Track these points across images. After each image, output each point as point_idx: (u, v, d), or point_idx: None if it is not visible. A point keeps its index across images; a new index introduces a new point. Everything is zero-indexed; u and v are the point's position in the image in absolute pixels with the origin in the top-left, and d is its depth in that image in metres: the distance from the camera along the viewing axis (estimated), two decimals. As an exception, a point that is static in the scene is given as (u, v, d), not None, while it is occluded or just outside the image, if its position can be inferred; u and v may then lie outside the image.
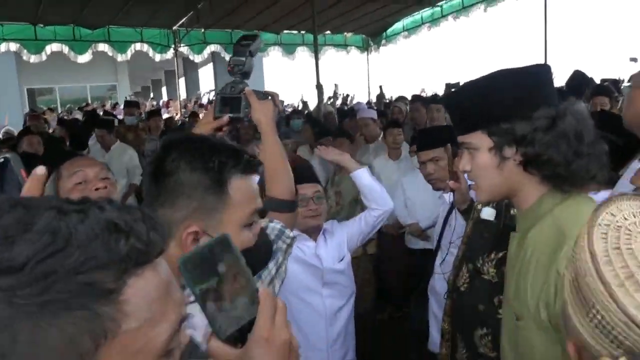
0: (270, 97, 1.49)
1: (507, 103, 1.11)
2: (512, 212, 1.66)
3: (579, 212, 1.12)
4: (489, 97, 1.13)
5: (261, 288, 0.70)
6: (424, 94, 10.03)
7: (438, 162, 2.49)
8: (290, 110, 10.00)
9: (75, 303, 0.48)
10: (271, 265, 1.30)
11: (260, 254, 1.14)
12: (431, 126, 4.02)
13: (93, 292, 0.48)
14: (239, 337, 0.68)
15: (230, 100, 1.47)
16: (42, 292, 0.46)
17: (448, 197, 2.43)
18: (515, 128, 1.10)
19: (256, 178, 1.11)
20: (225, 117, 1.46)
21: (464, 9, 10.36)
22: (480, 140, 1.15)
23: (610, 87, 5.54)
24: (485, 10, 9.98)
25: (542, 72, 1.16)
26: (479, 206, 1.85)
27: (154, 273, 0.55)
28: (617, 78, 8.04)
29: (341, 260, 2.39)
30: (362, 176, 2.40)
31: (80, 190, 1.68)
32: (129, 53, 10.44)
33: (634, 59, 9.85)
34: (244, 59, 1.46)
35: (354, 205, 4.26)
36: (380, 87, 8.58)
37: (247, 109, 1.45)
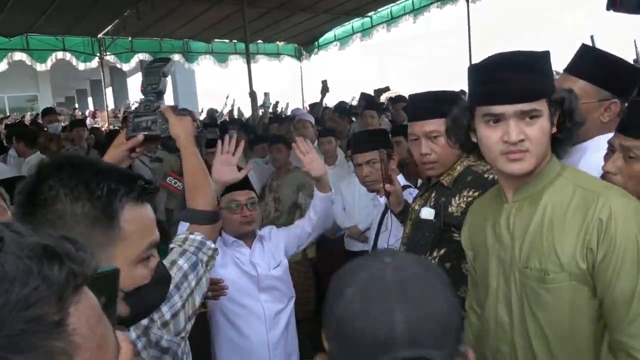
0: (188, 114, 1.51)
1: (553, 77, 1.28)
2: (449, 210, 1.72)
3: (583, 173, 1.32)
4: (550, 70, 1.27)
5: (121, 336, 0.62)
6: (354, 102, 10.12)
7: (374, 165, 2.52)
8: (225, 117, 9.81)
9: (25, 343, 0.42)
10: (191, 278, 1.28)
11: (157, 290, 1.01)
12: (366, 129, 4.09)
13: (42, 327, 0.43)
14: None
15: (144, 118, 1.48)
16: None
17: (382, 199, 2.47)
18: (565, 98, 1.25)
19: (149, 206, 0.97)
20: (140, 136, 1.47)
21: (392, 19, 10.67)
22: (544, 107, 1.24)
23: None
24: (414, 22, 10.31)
25: None
26: (416, 207, 1.90)
27: (87, 295, 0.49)
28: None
29: (277, 266, 2.37)
30: (328, 200, 2.40)
31: None
32: (50, 62, 9.93)
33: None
34: (157, 78, 1.49)
35: (293, 210, 4.26)
36: (324, 81, 7.08)
37: (164, 125, 1.47)
